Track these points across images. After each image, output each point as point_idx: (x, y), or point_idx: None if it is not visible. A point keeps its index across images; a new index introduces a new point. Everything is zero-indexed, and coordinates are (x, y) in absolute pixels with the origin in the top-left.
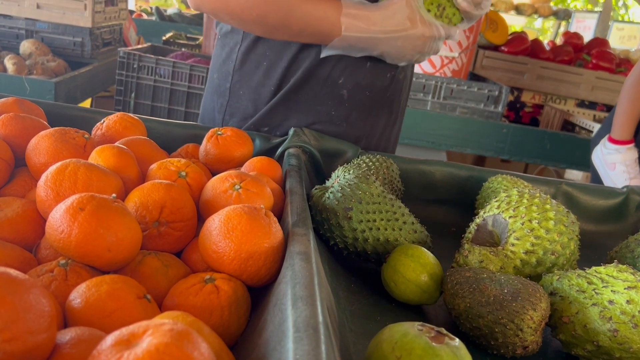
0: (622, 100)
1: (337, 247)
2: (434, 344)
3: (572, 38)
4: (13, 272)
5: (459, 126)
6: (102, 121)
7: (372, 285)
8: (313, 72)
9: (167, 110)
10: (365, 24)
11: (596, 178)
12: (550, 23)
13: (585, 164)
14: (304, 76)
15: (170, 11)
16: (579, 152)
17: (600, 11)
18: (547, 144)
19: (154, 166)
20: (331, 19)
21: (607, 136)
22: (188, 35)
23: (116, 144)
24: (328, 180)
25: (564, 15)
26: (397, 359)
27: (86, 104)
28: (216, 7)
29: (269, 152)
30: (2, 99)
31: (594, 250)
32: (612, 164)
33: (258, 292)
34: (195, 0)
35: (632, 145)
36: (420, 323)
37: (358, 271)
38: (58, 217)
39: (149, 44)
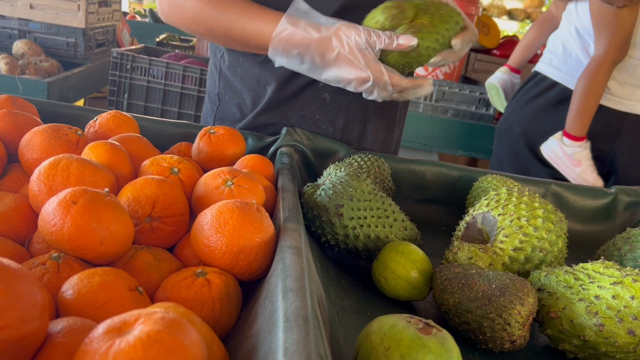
0: (580, 100)
1: (328, 244)
2: (422, 334)
3: None
4: (6, 261)
5: (451, 128)
6: (95, 119)
7: (363, 282)
8: (290, 78)
9: (160, 111)
10: (299, 34)
11: (500, 164)
12: None
13: None
14: (281, 82)
15: None
16: None
17: None
18: None
19: (146, 162)
20: (266, 34)
21: (560, 132)
22: (181, 37)
23: (109, 140)
24: (320, 178)
25: None
26: (385, 349)
27: (79, 104)
28: (175, 21)
29: (261, 151)
30: None
31: (582, 250)
32: (579, 160)
33: (249, 287)
34: (162, 13)
35: (587, 140)
36: (409, 315)
37: (349, 268)
38: (51, 211)
39: (143, 45)
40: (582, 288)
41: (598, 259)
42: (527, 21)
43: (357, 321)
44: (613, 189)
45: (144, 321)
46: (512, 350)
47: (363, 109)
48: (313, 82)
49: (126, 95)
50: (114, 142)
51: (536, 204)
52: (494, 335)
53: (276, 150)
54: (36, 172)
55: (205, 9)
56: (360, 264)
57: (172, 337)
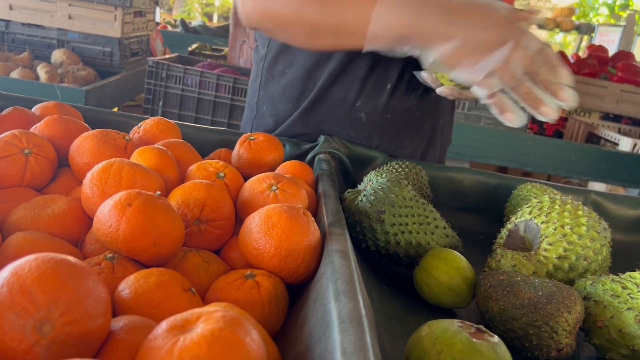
0: None
1: (368, 250)
2: (474, 339)
3: (596, 51)
4: (72, 259)
5: (483, 137)
6: (139, 124)
7: (404, 288)
8: (326, 93)
9: (194, 119)
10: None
11: None
12: (572, 37)
13: (611, 177)
14: (317, 97)
15: (194, 23)
16: (604, 165)
17: (624, 25)
18: (571, 156)
19: (193, 167)
20: (367, 14)
21: None
22: (213, 46)
23: (156, 145)
24: (358, 186)
25: (586, 29)
26: (438, 353)
27: None
28: (260, 15)
29: (298, 157)
30: (43, 103)
31: (622, 260)
32: None
33: (294, 290)
34: (243, 15)
35: None
36: (460, 320)
37: (388, 274)
38: (106, 212)
39: (176, 54)
40: (630, 297)
41: None
42: (557, 30)
43: (400, 327)
44: None
45: (206, 319)
46: (559, 358)
47: (400, 129)
48: (351, 102)
49: (161, 103)
50: (161, 147)
51: (580, 212)
52: (541, 343)
53: (314, 157)
54: (89, 175)
55: None
56: (400, 270)
57: (234, 334)
